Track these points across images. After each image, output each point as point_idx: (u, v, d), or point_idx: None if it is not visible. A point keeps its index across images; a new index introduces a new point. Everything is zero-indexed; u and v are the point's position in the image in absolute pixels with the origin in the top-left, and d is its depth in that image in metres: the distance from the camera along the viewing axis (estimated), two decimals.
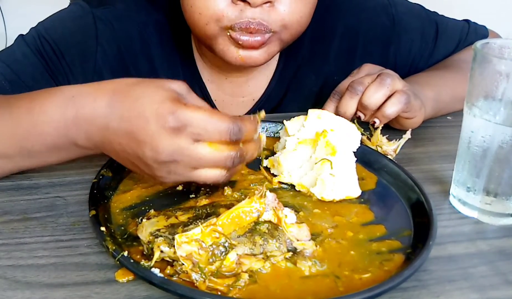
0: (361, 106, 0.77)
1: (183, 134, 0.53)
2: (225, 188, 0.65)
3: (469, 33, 1.04)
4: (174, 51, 0.93)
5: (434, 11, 1.06)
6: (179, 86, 0.57)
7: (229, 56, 0.81)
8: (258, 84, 0.97)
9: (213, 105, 0.96)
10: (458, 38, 1.04)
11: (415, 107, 0.79)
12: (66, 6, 0.93)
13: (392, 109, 0.76)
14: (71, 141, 0.59)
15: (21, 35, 0.88)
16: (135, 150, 0.55)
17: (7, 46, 0.89)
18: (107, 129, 0.56)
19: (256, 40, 0.78)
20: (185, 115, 0.53)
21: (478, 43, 0.63)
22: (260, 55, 0.81)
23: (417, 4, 1.05)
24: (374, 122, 0.77)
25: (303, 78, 0.98)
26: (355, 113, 0.77)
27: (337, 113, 0.77)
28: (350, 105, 0.77)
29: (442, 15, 1.06)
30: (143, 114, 0.53)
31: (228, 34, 0.78)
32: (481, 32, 1.05)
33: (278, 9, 0.77)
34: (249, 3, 0.75)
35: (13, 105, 0.63)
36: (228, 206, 0.55)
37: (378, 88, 0.75)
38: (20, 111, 0.62)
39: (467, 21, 1.08)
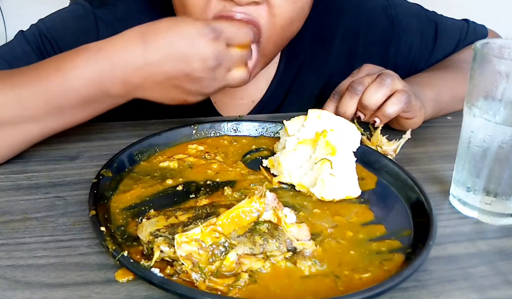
0: (361, 106, 0.76)
1: (220, 40, 0.64)
2: (225, 188, 0.65)
3: (469, 32, 1.04)
4: None
5: (433, 11, 1.06)
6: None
7: None
8: (258, 86, 0.97)
9: (212, 107, 0.96)
10: (457, 37, 1.04)
11: (416, 107, 0.79)
12: (67, 5, 0.93)
13: (392, 109, 0.76)
14: (105, 92, 0.65)
15: (21, 31, 0.87)
16: (183, 69, 0.64)
17: None
18: (147, 65, 0.63)
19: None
20: (217, 25, 0.64)
21: (478, 43, 0.63)
22: None
23: (416, 4, 1.06)
24: (374, 122, 0.77)
25: (303, 80, 0.98)
26: (355, 113, 0.77)
27: (337, 113, 0.77)
28: (350, 105, 0.77)
29: (441, 15, 1.06)
30: (184, 35, 0.63)
31: None
32: (481, 32, 1.05)
33: (265, 10, 0.77)
34: (234, 1, 0.74)
35: (40, 68, 0.67)
36: (228, 206, 0.55)
37: (378, 88, 0.75)
38: (49, 71, 0.65)
39: (466, 20, 1.07)
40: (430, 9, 1.07)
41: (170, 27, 0.64)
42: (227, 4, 0.75)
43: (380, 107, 0.76)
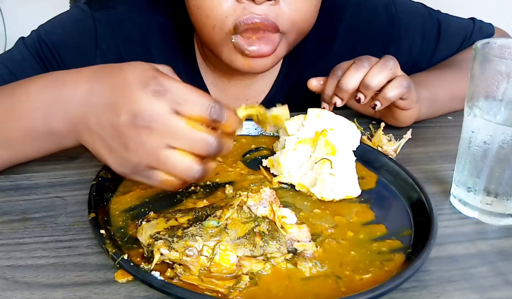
0: (363, 87, 0.75)
1: (163, 99, 0.51)
2: (226, 186, 0.65)
3: (474, 32, 1.03)
4: (176, 54, 0.93)
5: (437, 10, 1.05)
6: (163, 67, 0.56)
7: (236, 63, 0.81)
8: (261, 87, 0.97)
9: None
10: (462, 37, 1.03)
11: (413, 97, 0.79)
12: (66, 5, 0.93)
13: (393, 92, 0.75)
14: (47, 125, 0.58)
15: (21, 38, 0.88)
16: (110, 119, 0.53)
17: (7, 45, 0.90)
18: (86, 106, 0.55)
19: (266, 50, 0.77)
20: (168, 82, 0.52)
21: (479, 43, 0.63)
22: (268, 59, 0.80)
23: (419, 3, 1.05)
24: (375, 105, 0.77)
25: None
26: (356, 95, 0.76)
27: (337, 88, 0.76)
28: (354, 77, 0.75)
29: (446, 14, 1.05)
30: (126, 80, 0.52)
31: (233, 41, 0.78)
32: (487, 30, 1.04)
33: (283, 8, 0.77)
34: (253, 1, 0.74)
35: (0, 91, 0.63)
36: (227, 207, 0.55)
37: (381, 69, 0.74)
38: (3, 95, 0.62)
39: (472, 19, 1.06)
40: (435, 8, 1.06)
41: (119, 71, 0.54)
42: (246, 5, 0.75)
43: (380, 90, 0.76)
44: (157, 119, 0.51)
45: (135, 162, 0.53)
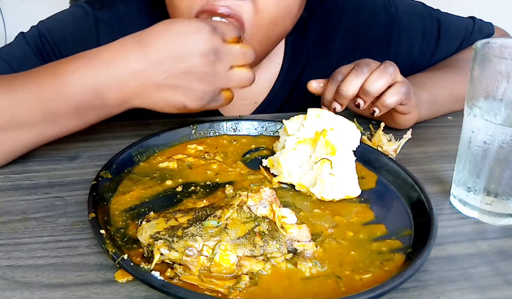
0: (362, 92, 0.74)
1: (216, 34, 0.64)
2: (227, 186, 0.65)
3: (474, 31, 1.03)
4: None
5: (437, 9, 1.05)
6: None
7: None
8: (260, 87, 0.96)
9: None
10: (462, 36, 1.03)
11: (412, 102, 0.79)
12: (66, 5, 0.93)
13: (392, 99, 0.75)
14: (100, 99, 0.64)
15: (21, 33, 0.87)
16: (182, 66, 0.64)
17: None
18: (145, 67, 0.63)
19: None
20: (212, 21, 0.67)
21: (479, 43, 0.62)
22: None
23: (419, 2, 1.05)
24: (374, 111, 0.77)
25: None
26: (355, 100, 0.76)
27: (337, 94, 0.76)
28: (354, 83, 0.74)
29: (446, 13, 1.05)
30: (181, 32, 0.64)
31: None
32: (487, 30, 1.04)
33: (249, 6, 0.76)
34: None
35: (37, 73, 0.67)
36: (227, 207, 0.55)
37: (381, 75, 0.74)
38: (44, 76, 0.65)
39: (472, 18, 1.06)
40: (435, 7, 1.06)
41: (167, 29, 0.64)
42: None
43: (379, 96, 0.75)
44: (220, 49, 0.65)
45: (212, 90, 0.66)
